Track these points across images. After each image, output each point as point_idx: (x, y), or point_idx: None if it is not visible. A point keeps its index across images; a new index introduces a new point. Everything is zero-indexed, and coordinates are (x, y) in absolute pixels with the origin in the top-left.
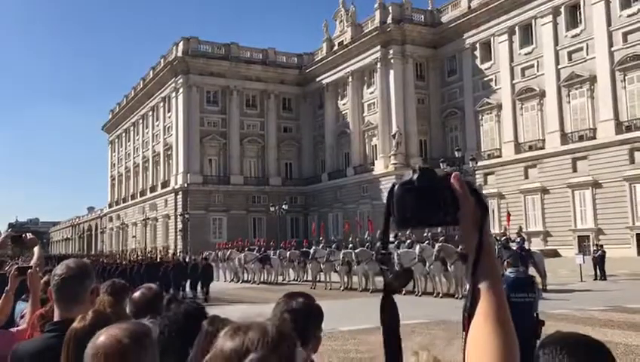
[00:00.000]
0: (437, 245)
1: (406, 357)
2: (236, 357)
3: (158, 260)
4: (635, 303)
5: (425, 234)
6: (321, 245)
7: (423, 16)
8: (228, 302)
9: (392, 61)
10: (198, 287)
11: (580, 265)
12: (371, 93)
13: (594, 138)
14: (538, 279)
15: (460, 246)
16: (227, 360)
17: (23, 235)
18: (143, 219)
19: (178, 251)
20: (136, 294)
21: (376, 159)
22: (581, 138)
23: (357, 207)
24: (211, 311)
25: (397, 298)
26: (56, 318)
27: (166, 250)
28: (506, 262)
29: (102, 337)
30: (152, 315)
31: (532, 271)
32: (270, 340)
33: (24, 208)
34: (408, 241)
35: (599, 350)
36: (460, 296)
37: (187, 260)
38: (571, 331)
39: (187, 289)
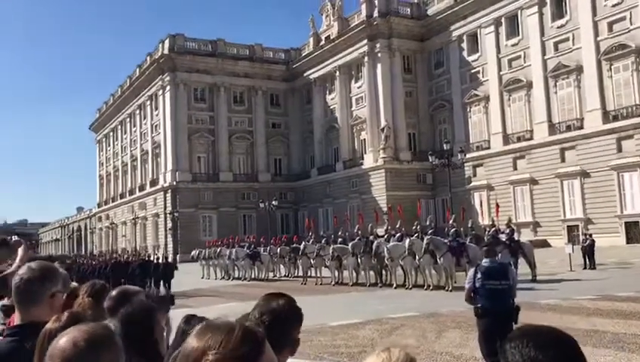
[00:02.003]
0: (426, 238)
1: (377, 354)
2: (196, 357)
3: (124, 260)
4: (624, 291)
5: (414, 228)
6: (310, 240)
7: (409, 9)
8: (193, 299)
9: (379, 55)
10: (161, 285)
11: (570, 254)
12: (359, 87)
13: (581, 128)
14: (527, 269)
15: (449, 239)
16: (187, 359)
17: (8, 238)
18: (133, 218)
19: (157, 250)
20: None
21: (366, 153)
22: (569, 128)
23: (347, 201)
24: (196, 310)
25: (387, 291)
26: (16, 321)
27: (136, 249)
28: (482, 253)
29: (61, 340)
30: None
31: (522, 261)
32: (233, 341)
33: (12, 210)
34: (398, 235)
35: (566, 342)
36: (450, 289)
37: (152, 259)
38: (539, 324)
39: (153, 286)
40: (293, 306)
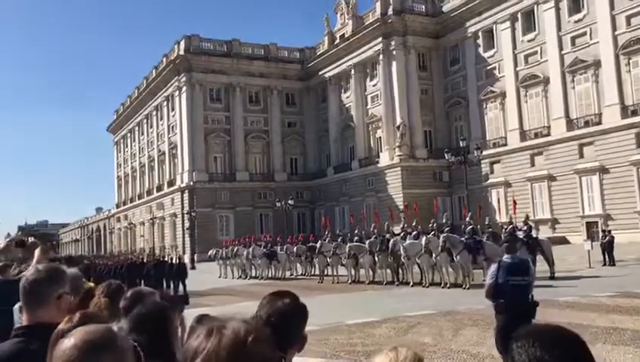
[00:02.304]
0: (442, 236)
1: (385, 353)
2: (235, 344)
3: (139, 261)
4: None
5: (430, 226)
6: (327, 239)
7: (423, 7)
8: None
9: (394, 52)
10: (179, 285)
11: (589, 251)
12: (374, 85)
13: (600, 123)
14: (545, 267)
15: (465, 237)
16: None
17: (25, 239)
18: (151, 219)
19: (175, 250)
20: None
21: (381, 151)
22: (587, 123)
23: (363, 199)
24: (213, 308)
25: (404, 290)
26: (24, 322)
27: (152, 250)
28: (502, 250)
29: (63, 343)
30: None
31: (540, 259)
32: (255, 326)
33: (33, 211)
34: (414, 233)
35: (573, 341)
36: (467, 286)
37: (166, 259)
38: (546, 323)
39: (171, 286)
40: (299, 304)
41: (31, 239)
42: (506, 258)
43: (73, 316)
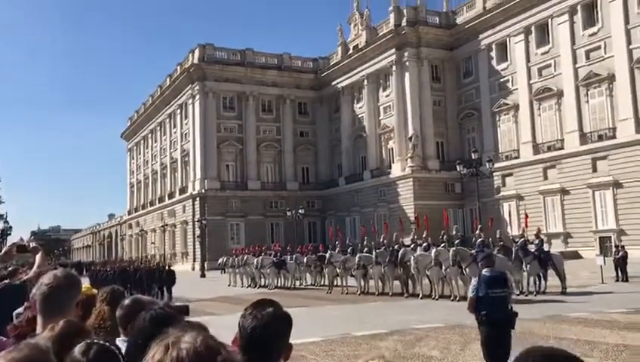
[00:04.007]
0: (451, 250)
1: None
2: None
3: (133, 267)
4: None
5: (440, 237)
6: (337, 249)
7: (437, 18)
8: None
9: (407, 64)
10: (166, 291)
11: (601, 266)
12: (387, 96)
13: (614, 137)
14: (557, 282)
15: (475, 250)
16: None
17: (27, 244)
18: (162, 226)
19: (186, 257)
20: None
21: (393, 162)
22: (600, 138)
23: (374, 210)
24: (218, 317)
25: (413, 302)
26: (39, 330)
27: (146, 257)
28: (480, 264)
29: None
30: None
31: (551, 273)
32: (200, 351)
33: (46, 216)
34: (424, 244)
35: None
36: None
37: (158, 266)
38: (544, 346)
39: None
40: (282, 313)
41: (32, 244)
42: (485, 271)
43: (56, 325)
